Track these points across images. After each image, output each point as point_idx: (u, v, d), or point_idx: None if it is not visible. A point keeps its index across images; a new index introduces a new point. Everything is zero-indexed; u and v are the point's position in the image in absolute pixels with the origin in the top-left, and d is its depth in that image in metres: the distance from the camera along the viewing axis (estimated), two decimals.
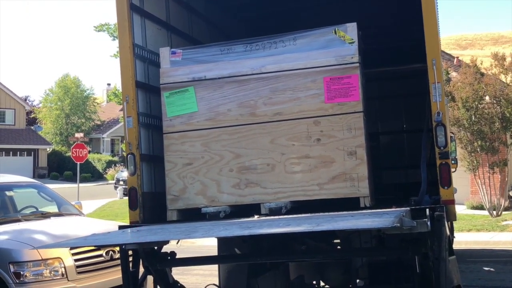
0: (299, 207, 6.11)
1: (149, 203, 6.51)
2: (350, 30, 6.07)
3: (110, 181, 45.64)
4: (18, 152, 50.85)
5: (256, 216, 6.06)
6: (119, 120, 51.76)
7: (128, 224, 6.49)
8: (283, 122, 6.14)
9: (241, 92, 6.28)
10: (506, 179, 21.14)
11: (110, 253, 7.83)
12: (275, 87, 6.19)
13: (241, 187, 6.22)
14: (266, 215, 6.02)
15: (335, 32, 6.10)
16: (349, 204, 5.90)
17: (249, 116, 6.25)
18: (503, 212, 19.81)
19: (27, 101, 65.04)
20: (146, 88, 6.81)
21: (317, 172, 6.01)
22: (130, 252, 6.23)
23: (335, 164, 5.96)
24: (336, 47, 6.06)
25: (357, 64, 6.00)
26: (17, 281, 7.08)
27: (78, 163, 24.85)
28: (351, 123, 5.96)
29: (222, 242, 7.43)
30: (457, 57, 32.13)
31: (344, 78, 6.00)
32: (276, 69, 6.19)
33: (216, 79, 6.34)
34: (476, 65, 20.44)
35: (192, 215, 6.40)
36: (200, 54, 6.51)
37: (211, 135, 6.33)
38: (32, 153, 51.78)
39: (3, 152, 49.67)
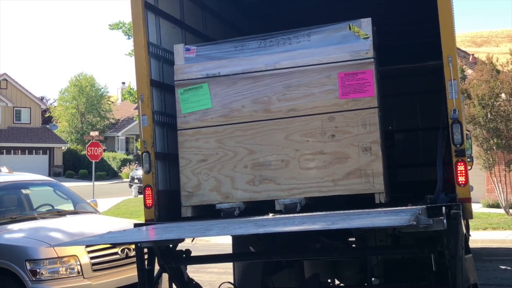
0: (313, 203, 6.09)
1: (164, 201, 6.52)
2: (365, 26, 6.05)
3: (125, 179, 45.80)
4: (34, 151, 51.16)
5: (271, 214, 6.05)
6: (134, 119, 51.91)
7: (144, 222, 6.52)
8: (298, 118, 6.11)
9: (255, 88, 6.26)
10: None
11: (125, 251, 7.85)
12: (289, 83, 6.16)
13: (256, 184, 6.21)
14: (280, 211, 6.02)
15: (350, 28, 6.08)
16: (364, 200, 5.87)
17: (263, 112, 6.23)
18: None
19: (43, 100, 65.40)
20: (160, 86, 6.83)
21: (331, 168, 5.98)
22: (146, 250, 6.25)
23: (349, 160, 5.94)
24: (350, 43, 6.03)
25: (372, 60, 5.97)
26: (33, 279, 7.12)
27: (93, 161, 24.94)
28: (365, 118, 5.92)
29: (237, 240, 7.43)
30: (473, 55, 31.94)
31: (359, 73, 5.97)
32: (290, 65, 6.16)
33: (230, 76, 6.33)
34: (492, 62, 20.27)
35: (207, 212, 6.41)
36: (214, 51, 6.51)
37: (225, 132, 6.31)
38: (48, 151, 52.09)
39: (19, 151, 50.03)
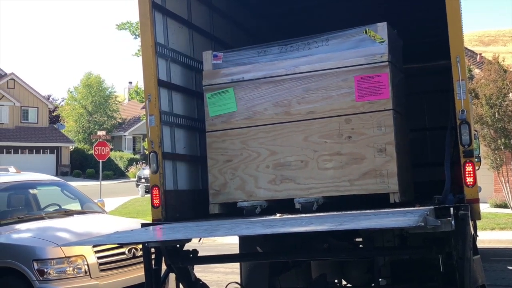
0: (331, 202, 6.25)
1: (171, 201, 6.54)
2: (381, 30, 6.22)
3: (132, 179, 45.90)
4: (41, 150, 51.36)
5: (278, 215, 6.07)
6: (141, 118, 52.04)
7: (151, 222, 6.53)
8: (316, 121, 6.33)
9: (276, 92, 6.53)
10: None
11: (132, 251, 7.86)
12: (308, 87, 6.39)
13: (277, 183, 6.46)
14: (298, 210, 6.19)
15: (366, 32, 6.24)
16: (380, 200, 5.99)
17: (284, 115, 6.48)
18: None
19: (50, 99, 65.63)
20: (168, 86, 6.84)
21: (348, 168, 6.18)
22: (153, 250, 6.26)
23: (365, 161, 6.12)
24: (366, 47, 6.23)
25: (387, 63, 6.09)
26: (41, 278, 7.14)
27: (100, 161, 24.99)
28: (381, 120, 6.09)
29: (244, 240, 7.43)
30: (480, 54, 31.83)
31: (374, 76, 6.14)
32: (309, 69, 6.38)
33: (253, 80, 6.62)
34: (498, 62, 20.22)
35: (232, 209, 6.61)
36: (239, 57, 6.81)
37: (249, 133, 6.61)
38: (55, 151, 52.29)
39: (27, 150, 50.24)
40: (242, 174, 6.59)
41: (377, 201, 5.99)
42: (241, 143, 6.61)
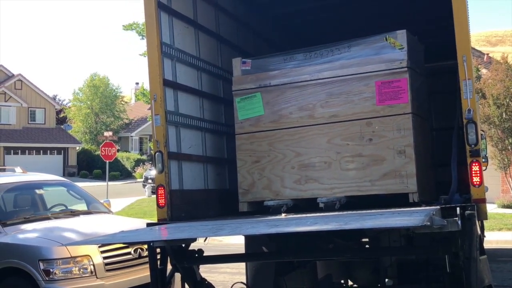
0: (353, 201, 6.47)
1: (176, 201, 6.54)
2: (400, 37, 6.49)
3: (138, 180, 45.97)
4: (48, 151, 51.52)
5: (283, 214, 6.08)
6: (147, 119, 52.14)
7: (156, 221, 6.53)
8: (338, 124, 6.60)
9: (301, 96, 6.82)
10: None
11: (138, 251, 7.86)
12: (331, 92, 6.67)
13: (302, 183, 6.72)
14: (322, 209, 6.40)
15: (386, 39, 6.49)
16: (399, 199, 6.19)
17: (308, 118, 6.76)
18: None
19: (56, 100, 65.85)
20: (173, 86, 6.84)
21: (369, 169, 6.43)
22: (158, 250, 6.26)
23: (385, 162, 6.36)
24: (386, 53, 6.51)
25: (406, 69, 6.32)
26: (47, 278, 7.14)
27: (107, 161, 25.04)
28: (400, 123, 6.32)
29: (250, 240, 7.44)
30: (487, 54, 31.73)
31: (394, 81, 6.39)
32: (332, 75, 6.66)
33: (279, 86, 6.92)
34: (507, 61, 20.15)
35: (259, 208, 6.84)
36: (266, 63, 7.13)
37: (275, 136, 6.90)
38: (62, 151, 52.44)
39: (34, 151, 50.40)
40: (269, 174, 6.87)
41: (397, 200, 6.15)
42: (268, 145, 6.90)
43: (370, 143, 6.41)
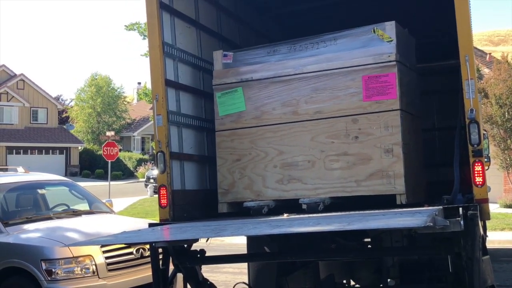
0: (337, 203, 6.23)
1: (178, 201, 6.53)
2: (389, 29, 6.19)
3: (140, 179, 45.98)
4: (51, 151, 51.55)
5: (285, 215, 6.05)
6: (149, 119, 52.19)
7: (158, 222, 6.52)
8: (323, 120, 6.32)
9: (284, 91, 6.53)
10: None
11: (140, 251, 7.85)
12: (316, 86, 6.38)
13: (284, 183, 6.47)
14: (305, 210, 6.16)
15: (374, 31, 6.22)
16: (386, 201, 5.95)
17: (291, 115, 6.48)
18: None
19: (60, 100, 65.89)
20: (175, 86, 6.83)
21: (355, 169, 6.15)
22: (160, 250, 6.25)
23: (372, 162, 6.09)
24: (374, 46, 6.21)
25: (395, 63, 6.05)
26: (49, 278, 7.14)
27: (109, 161, 25.04)
28: (388, 121, 6.05)
29: (252, 241, 7.42)
30: (490, 54, 31.68)
31: (382, 76, 6.11)
32: (317, 68, 6.37)
33: (261, 80, 6.62)
34: (507, 61, 20.12)
35: (240, 209, 6.61)
36: (248, 56, 6.84)
37: (257, 133, 6.63)
38: (64, 151, 52.46)
39: (36, 151, 50.43)
40: (250, 173, 6.60)
41: (384, 202, 5.94)
42: (249, 142, 6.63)
43: (356, 141, 6.15)
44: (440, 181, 7.70)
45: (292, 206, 6.37)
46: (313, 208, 6.13)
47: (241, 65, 6.79)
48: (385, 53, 6.10)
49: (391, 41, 6.12)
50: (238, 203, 6.69)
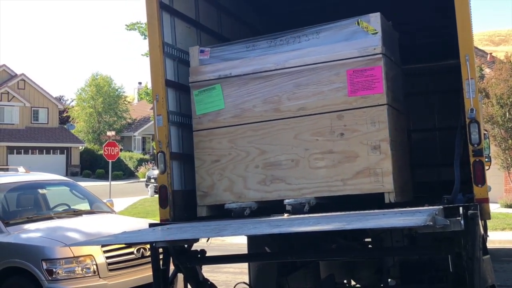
0: (323, 203, 6.03)
1: (179, 201, 6.53)
2: (374, 21, 5.94)
3: (141, 179, 45.99)
4: (51, 151, 51.56)
5: (285, 215, 6.04)
6: (150, 118, 52.18)
7: (159, 222, 6.52)
8: (307, 117, 6.07)
9: (265, 88, 6.26)
10: None
11: (141, 251, 7.86)
12: (299, 82, 6.12)
13: (267, 183, 6.20)
14: (289, 211, 5.99)
15: (358, 23, 5.98)
16: (375, 200, 5.79)
17: (273, 112, 6.22)
18: None
19: (62, 101, 65.89)
20: (176, 86, 6.83)
21: (341, 167, 5.91)
22: (161, 250, 6.26)
23: (359, 159, 5.86)
24: (359, 39, 5.95)
25: (380, 56, 5.86)
26: (50, 278, 7.15)
27: (110, 161, 25.05)
28: (374, 116, 5.82)
29: (252, 240, 7.42)
30: (491, 53, 31.66)
31: (367, 70, 5.88)
32: (300, 63, 6.12)
33: (241, 76, 6.35)
34: (510, 61, 20.11)
35: (222, 211, 6.42)
36: (226, 52, 6.55)
37: (237, 132, 6.35)
38: (65, 151, 52.47)
39: (37, 151, 50.44)
40: (231, 174, 6.33)
41: (372, 201, 5.78)
42: (228, 142, 6.37)
43: (342, 138, 5.89)
44: (440, 181, 7.69)
45: (275, 207, 6.15)
46: (298, 209, 5.91)
47: (219, 61, 6.48)
48: (370, 46, 5.86)
49: (376, 33, 5.88)
50: (218, 206, 6.41)
